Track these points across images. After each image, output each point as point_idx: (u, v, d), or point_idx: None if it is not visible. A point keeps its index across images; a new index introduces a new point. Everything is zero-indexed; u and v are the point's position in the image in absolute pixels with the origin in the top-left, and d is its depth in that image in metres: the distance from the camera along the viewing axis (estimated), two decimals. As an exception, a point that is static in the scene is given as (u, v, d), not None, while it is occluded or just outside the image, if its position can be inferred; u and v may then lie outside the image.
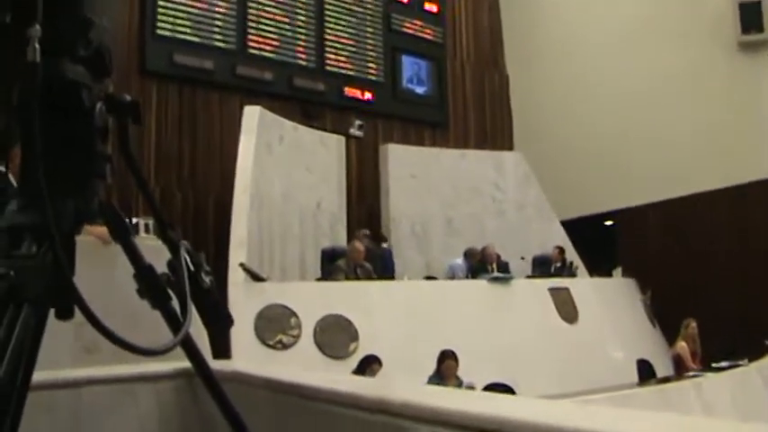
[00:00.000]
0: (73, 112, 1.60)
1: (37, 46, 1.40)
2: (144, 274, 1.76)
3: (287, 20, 14.84)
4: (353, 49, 15.86)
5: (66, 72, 1.55)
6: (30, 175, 1.45)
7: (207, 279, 1.91)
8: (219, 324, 2.02)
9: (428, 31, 17.24)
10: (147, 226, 7.46)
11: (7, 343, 1.39)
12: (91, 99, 1.62)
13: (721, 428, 1.63)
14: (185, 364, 2.15)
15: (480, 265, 13.38)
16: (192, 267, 1.87)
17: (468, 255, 13.57)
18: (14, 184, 3.64)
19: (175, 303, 1.79)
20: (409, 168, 15.18)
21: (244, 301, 9.45)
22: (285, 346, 9.78)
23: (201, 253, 1.97)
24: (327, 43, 15.42)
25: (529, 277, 13.94)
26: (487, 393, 5.32)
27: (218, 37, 13.87)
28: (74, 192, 1.61)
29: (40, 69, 1.41)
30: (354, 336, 10.24)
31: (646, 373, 11.85)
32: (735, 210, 14.72)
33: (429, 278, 13.68)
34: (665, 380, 11.21)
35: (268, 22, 14.54)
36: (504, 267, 13.48)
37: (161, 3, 13.22)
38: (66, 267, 1.44)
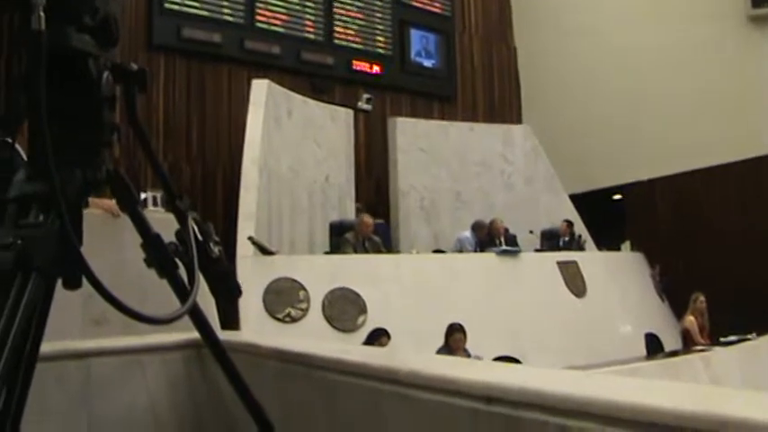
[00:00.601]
0: (79, 82, 1.60)
1: (41, 14, 1.39)
2: (151, 242, 1.76)
3: (295, -7, 14.80)
4: (362, 23, 15.79)
5: (72, 41, 1.55)
6: (37, 145, 1.45)
7: (216, 249, 1.91)
8: (228, 294, 2.02)
9: (436, 4, 17.16)
10: (155, 199, 7.48)
11: (15, 312, 1.39)
12: (98, 68, 1.62)
13: (732, 395, 1.63)
14: (193, 335, 2.15)
15: (488, 238, 13.37)
16: (200, 237, 1.87)
17: (475, 228, 13.56)
18: (23, 156, 3.65)
19: (183, 273, 1.79)
20: (417, 142, 15.15)
21: (252, 275, 9.45)
22: (294, 320, 9.80)
23: (210, 223, 1.97)
24: (336, 17, 15.36)
25: (537, 251, 13.94)
26: (495, 362, 5.33)
27: (227, 11, 13.82)
28: (81, 161, 1.61)
29: (46, 38, 1.40)
30: (363, 309, 10.25)
31: (654, 346, 11.88)
32: (743, 184, 14.68)
33: (437, 251, 13.67)
34: (674, 354, 11.21)
35: (276, -5, 14.50)
36: (511, 240, 13.46)
37: (169, -24, 13.17)
38: (73, 235, 1.44)
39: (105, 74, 1.63)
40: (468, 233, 13.54)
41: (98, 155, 1.66)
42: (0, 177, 1.61)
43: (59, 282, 1.55)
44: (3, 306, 1.38)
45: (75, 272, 1.49)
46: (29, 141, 1.50)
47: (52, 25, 1.43)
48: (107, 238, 4.36)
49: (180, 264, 1.79)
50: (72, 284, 1.54)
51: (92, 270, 1.44)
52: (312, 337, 9.24)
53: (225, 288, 1.99)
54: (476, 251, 13.19)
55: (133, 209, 1.75)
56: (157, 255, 1.77)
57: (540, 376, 1.93)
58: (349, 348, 3.16)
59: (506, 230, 13.60)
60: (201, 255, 1.83)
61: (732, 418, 1.34)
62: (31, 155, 1.54)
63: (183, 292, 1.77)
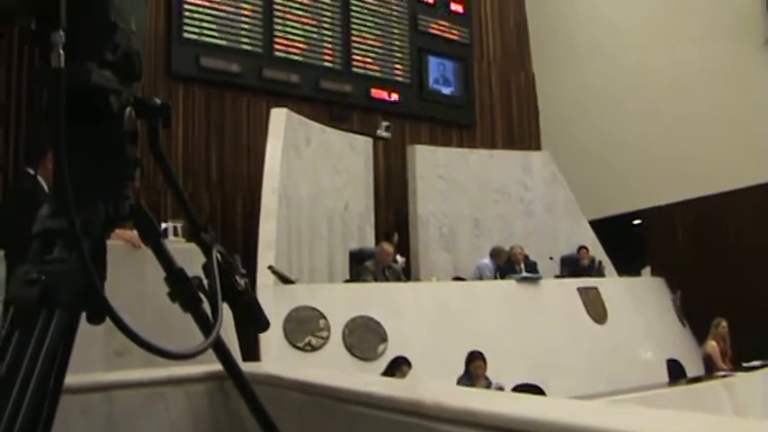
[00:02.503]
0: (101, 117, 1.60)
1: (61, 52, 1.40)
2: (175, 277, 1.76)
3: (313, 22, 14.84)
4: (380, 51, 15.85)
5: (93, 77, 1.55)
6: (60, 181, 1.45)
7: (242, 281, 1.91)
8: (256, 326, 2.02)
9: (454, 31, 17.21)
10: (175, 229, 7.49)
11: (40, 347, 1.40)
12: (120, 103, 1.63)
13: (757, 428, 1.61)
14: (216, 367, 2.15)
15: (508, 265, 13.34)
16: (224, 269, 1.87)
17: (494, 254, 13.53)
18: (45, 188, 3.68)
19: (207, 306, 1.79)
20: (436, 169, 15.17)
21: (272, 304, 9.44)
22: (314, 348, 9.79)
23: (237, 255, 1.97)
24: (354, 45, 15.42)
25: (557, 277, 13.90)
26: (519, 394, 5.31)
27: (245, 40, 13.89)
28: (104, 196, 1.62)
29: (65, 75, 1.41)
30: (383, 337, 10.24)
31: (676, 372, 11.80)
32: (764, 207, 14.61)
33: (457, 279, 13.65)
34: (696, 380, 11.16)
35: (294, 24, 14.55)
36: (532, 267, 13.43)
37: (187, 6, 13.24)
38: (95, 275, 1.44)
39: (128, 109, 1.63)
40: (487, 260, 13.51)
41: (121, 190, 1.66)
42: (22, 208, 1.62)
43: (83, 316, 1.55)
44: (28, 342, 1.38)
45: (99, 308, 1.49)
46: (53, 177, 1.50)
47: (72, 62, 1.43)
48: (129, 269, 4.39)
49: (204, 297, 1.79)
50: (96, 320, 1.54)
51: (113, 308, 1.44)
52: (332, 365, 9.24)
53: (252, 320, 1.99)
54: (495, 278, 13.15)
55: (156, 243, 1.75)
56: (182, 290, 1.76)
57: (565, 408, 1.91)
58: (373, 380, 3.16)
59: (526, 257, 13.57)
60: (227, 287, 1.82)
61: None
62: (55, 190, 1.54)
63: (206, 325, 1.76)
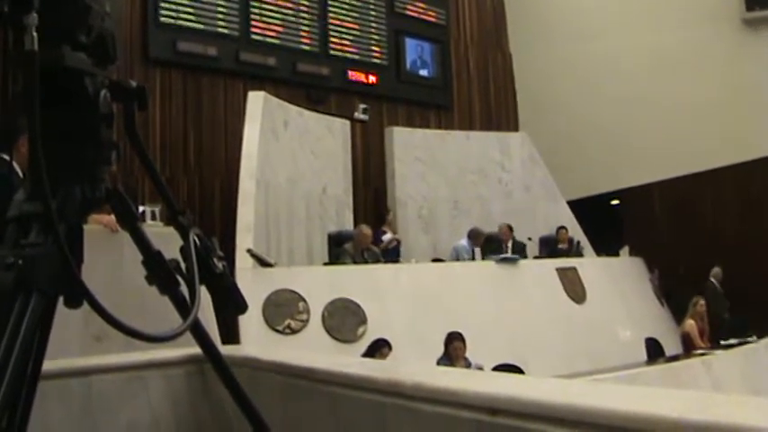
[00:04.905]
0: (76, 100, 1.59)
1: (34, 34, 1.39)
2: (152, 260, 1.75)
3: (290, 5, 14.77)
4: (357, 33, 15.80)
5: (66, 60, 1.54)
6: (35, 164, 1.44)
7: (219, 264, 1.90)
8: (234, 309, 2.01)
9: (431, 13, 17.16)
10: (153, 213, 7.47)
11: (17, 332, 1.39)
12: (95, 86, 1.62)
13: (735, 403, 1.62)
14: (195, 350, 2.15)
15: (495, 244, 13.40)
16: (202, 252, 1.86)
17: (471, 235, 13.53)
18: (20, 173, 3.65)
19: (184, 289, 1.78)
20: (414, 151, 15.17)
21: (251, 287, 9.42)
22: (293, 331, 9.79)
23: (214, 238, 1.96)
24: (331, 27, 15.36)
25: (536, 258, 13.93)
26: (498, 373, 5.32)
27: (222, 23, 13.82)
28: (80, 179, 1.61)
29: (38, 58, 1.40)
30: (363, 319, 10.24)
31: (654, 351, 11.86)
32: (741, 187, 14.71)
33: (436, 260, 13.66)
34: (674, 358, 11.23)
35: (271, 7, 14.47)
36: (520, 249, 13.47)
37: (163, -10, 13.18)
38: (70, 258, 1.43)
39: (103, 92, 1.62)
40: (464, 241, 13.51)
41: (97, 173, 1.65)
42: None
43: (61, 299, 1.54)
44: (4, 326, 1.38)
45: (76, 291, 1.48)
46: (29, 160, 1.49)
47: (46, 45, 1.42)
48: (107, 253, 4.36)
49: (181, 280, 1.78)
50: (73, 303, 1.53)
51: (89, 290, 1.43)
52: (312, 348, 9.22)
53: (230, 303, 1.98)
54: (473, 259, 13.18)
55: (133, 226, 1.75)
56: (159, 272, 1.76)
57: (544, 387, 1.92)
58: (352, 361, 3.16)
59: (514, 237, 13.62)
60: (204, 270, 1.82)
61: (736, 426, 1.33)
62: (30, 174, 1.54)
63: (184, 308, 1.76)
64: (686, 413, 1.44)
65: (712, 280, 13.87)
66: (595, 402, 1.60)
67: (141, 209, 7.42)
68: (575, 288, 12.48)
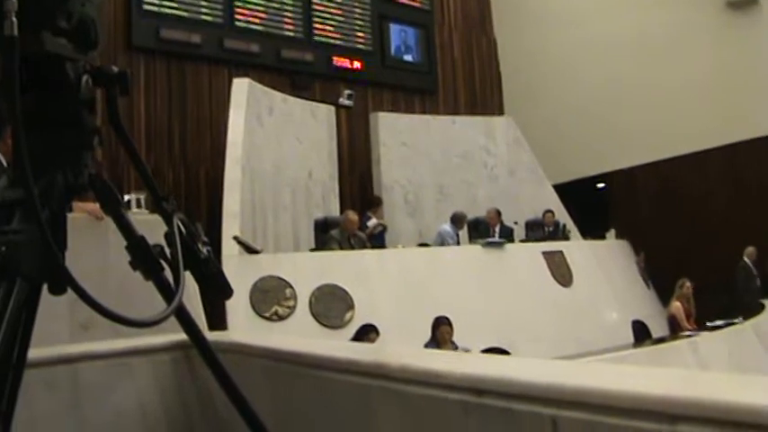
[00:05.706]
0: (58, 86, 1.59)
1: (14, 20, 1.38)
2: (136, 245, 1.75)
3: (273, -9, 14.76)
4: (341, 19, 15.78)
5: (47, 45, 1.53)
6: (17, 150, 1.44)
7: (204, 249, 1.90)
8: (220, 294, 2.01)
9: (415, -3, 17.18)
10: (138, 201, 7.44)
11: (1, 320, 1.39)
12: (76, 71, 1.61)
13: (720, 380, 1.63)
14: (181, 336, 2.14)
15: (483, 228, 13.43)
16: (187, 238, 1.85)
17: (455, 219, 13.55)
18: (4, 163, 3.65)
19: (169, 275, 1.78)
20: (400, 136, 15.18)
21: (238, 274, 9.41)
22: (281, 318, 9.78)
23: (198, 224, 1.95)
24: (315, 13, 15.33)
25: (522, 241, 13.95)
26: (484, 354, 5.33)
27: (205, 11, 13.77)
28: (63, 165, 1.60)
29: (18, 43, 1.39)
30: (350, 305, 10.24)
31: (641, 333, 11.91)
32: (726, 169, 14.74)
33: (422, 245, 13.66)
34: (661, 340, 11.27)
35: (254, -7, 14.46)
36: (507, 233, 13.51)
37: (146, -23, 13.12)
38: (53, 243, 1.42)
39: (84, 77, 1.62)
40: (447, 226, 13.52)
41: (79, 158, 1.64)
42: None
43: (45, 287, 1.54)
44: (-12, 313, 1.38)
45: (59, 277, 1.47)
46: (12, 147, 1.49)
47: (26, 30, 1.41)
48: (91, 240, 4.35)
49: (166, 266, 1.77)
50: (57, 290, 1.53)
51: (73, 276, 1.43)
52: (300, 334, 9.24)
53: (216, 289, 1.97)
54: (458, 243, 13.20)
55: (117, 212, 1.74)
56: (142, 258, 1.75)
57: (530, 367, 1.93)
58: (338, 345, 3.16)
59: (502, 222, 13.65)
60: (189, 256, 1.81)
61: (725, 403, 1.34)
62: (14, 161, 1.53)
63: (169, 293, 1.75)
64: (671, 390, 1.45)
65: (746, 260, 13.85)
66: (581, 381, 1.60)
67: (126, 197, 7.40)
68: (561, 271, 12.51)
